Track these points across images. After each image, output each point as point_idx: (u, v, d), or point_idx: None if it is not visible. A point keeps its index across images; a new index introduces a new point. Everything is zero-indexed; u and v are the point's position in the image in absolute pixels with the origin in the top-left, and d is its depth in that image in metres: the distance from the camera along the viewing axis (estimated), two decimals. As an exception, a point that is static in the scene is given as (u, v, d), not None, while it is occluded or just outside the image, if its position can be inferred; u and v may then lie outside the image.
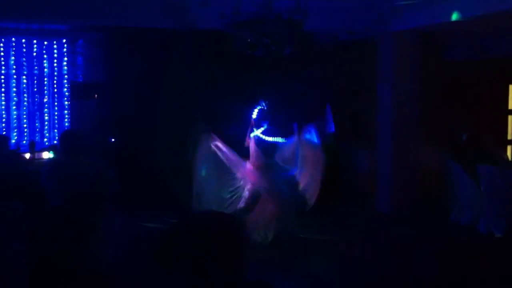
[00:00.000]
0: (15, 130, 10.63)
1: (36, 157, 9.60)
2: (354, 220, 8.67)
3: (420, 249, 6.66)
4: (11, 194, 5.19)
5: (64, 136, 5.77)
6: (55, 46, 10.74)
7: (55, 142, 10.49)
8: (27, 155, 9.50)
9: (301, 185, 7.83)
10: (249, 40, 6.43)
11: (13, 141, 10.36)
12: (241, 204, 7.50)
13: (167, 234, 2.01)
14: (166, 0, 7.58)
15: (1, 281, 3.38)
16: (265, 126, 8.12)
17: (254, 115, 8.14)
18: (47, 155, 9.87)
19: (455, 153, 8.79)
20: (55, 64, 10.80)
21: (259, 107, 8.12)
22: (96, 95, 10.49)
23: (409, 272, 5.79)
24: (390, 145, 9.02)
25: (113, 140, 10.16)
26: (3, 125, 10.51)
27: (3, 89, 10.50)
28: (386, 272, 6.17)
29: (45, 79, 10.79)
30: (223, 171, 7.67)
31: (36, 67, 10.72)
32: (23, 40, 10.55)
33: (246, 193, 7.52)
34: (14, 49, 10.53)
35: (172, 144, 8.95)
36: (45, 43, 10.68)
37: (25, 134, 10.69)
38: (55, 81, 10.85)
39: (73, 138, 5.60)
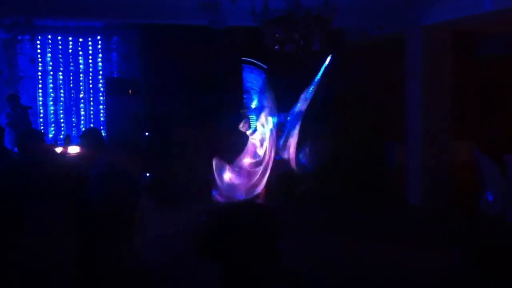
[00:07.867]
0: (52, 125, 10.93)
1: (68, 151, 9.78)
2: (383, 210, 8.75)
3: (450, 239, 6.71)
4: (48, 188, 5.30)
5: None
6: (90, 43, 11.01)
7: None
8: (60, 149, 9.71)
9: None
10: (278, 36, 6.51)
11: (51, 135, 10.68)
12: None
13: (203, 225, 2.12)
14: (197, -2, 7.73)
15: (50, 276, 3.52)
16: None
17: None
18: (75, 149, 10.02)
19: (484, 144, 8.77)
20: (90, 61, 11.07)
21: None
22: (130, 90, 10.70)
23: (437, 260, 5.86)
24: (418, 138, 9.04)
25: (147, 134, 10.36)
26: (41, 120, 10.82)
27: (40, 85, 10.82)
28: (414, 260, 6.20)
29: (81, 75, 11.06)
30: None
31: (72, 64, 11.00)
32: (59, 38, 10.84)
33: None
34: (50, 46, 10.84)
35: (205, 137, 9.10)
36: (80, 40, 10.94)
37: (62, 128, 10.97)
38: (90, 77, 11.12)
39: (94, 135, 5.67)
